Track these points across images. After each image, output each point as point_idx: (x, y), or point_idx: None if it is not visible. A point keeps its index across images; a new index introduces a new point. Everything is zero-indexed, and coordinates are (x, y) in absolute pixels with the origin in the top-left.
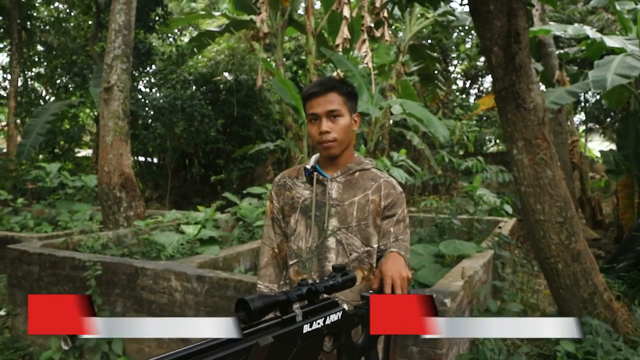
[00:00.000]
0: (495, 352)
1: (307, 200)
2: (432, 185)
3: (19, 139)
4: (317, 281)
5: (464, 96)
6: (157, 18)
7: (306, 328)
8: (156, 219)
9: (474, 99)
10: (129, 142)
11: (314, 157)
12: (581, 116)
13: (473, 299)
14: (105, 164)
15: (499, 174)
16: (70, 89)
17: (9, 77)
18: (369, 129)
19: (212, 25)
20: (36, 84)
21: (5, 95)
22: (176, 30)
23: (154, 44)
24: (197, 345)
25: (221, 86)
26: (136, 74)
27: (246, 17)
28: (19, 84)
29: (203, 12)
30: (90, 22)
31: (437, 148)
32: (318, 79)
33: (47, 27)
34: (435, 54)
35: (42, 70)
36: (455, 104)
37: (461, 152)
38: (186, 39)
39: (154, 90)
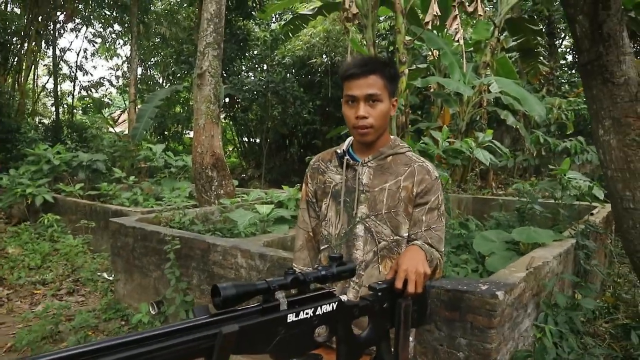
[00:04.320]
0: (564, 351)
1: (337, 185)
2: (533, 167)
3: None
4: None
5: (572, 71)
6: (254, 5)
7: (291, 317)
8: (242, 197)
9: None
10: (219, 124)
11: (347, 140)
12: None
13: (540, 291)
14: (198, 145)
15: None
16: (179, 75)
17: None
18: (460, 109)
19: (307, 9)
20: (154, 72)
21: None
22: (275, 15)
23: (253, 30)
24: (168, 327)
25: (318, 69)
26: (236, 60)
27: None
28: (139, 72)
29: None
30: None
31: (533, 127)
32: (360, 58)
33: (161, 19)
34: (536, 27)
35: (158, 59)
36: (562, 80)
37: (560, 131)
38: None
39: (250, 74)
